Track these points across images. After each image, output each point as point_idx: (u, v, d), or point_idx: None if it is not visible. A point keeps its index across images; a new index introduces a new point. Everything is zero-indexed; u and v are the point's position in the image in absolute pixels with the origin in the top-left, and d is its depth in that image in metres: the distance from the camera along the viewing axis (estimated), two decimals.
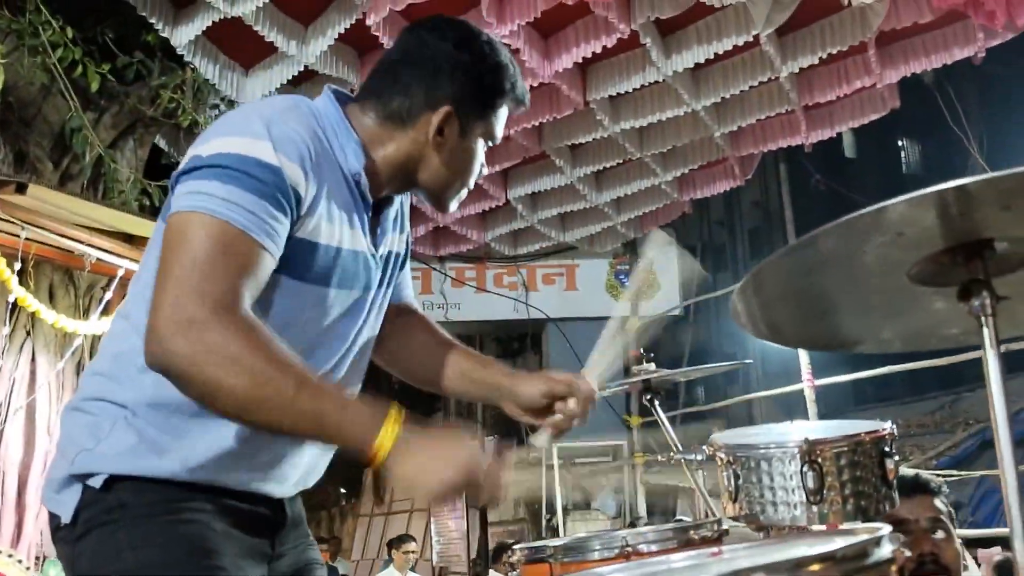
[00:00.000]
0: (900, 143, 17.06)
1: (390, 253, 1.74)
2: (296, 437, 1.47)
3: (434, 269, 10.58)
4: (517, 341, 13.48)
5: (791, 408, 10.19)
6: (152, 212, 5.83)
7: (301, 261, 1.51)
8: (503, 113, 1.70)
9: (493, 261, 10.58)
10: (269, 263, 1.43)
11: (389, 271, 1.74)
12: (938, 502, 2.38)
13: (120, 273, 5.28)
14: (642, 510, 9.92)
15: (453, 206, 1.76)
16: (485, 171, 1.78)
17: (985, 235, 1.28)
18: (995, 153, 7.63)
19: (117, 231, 5.35)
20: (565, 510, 9.91)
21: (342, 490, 16.46)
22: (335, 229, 1.54)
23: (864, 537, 0.90)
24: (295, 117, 1.50)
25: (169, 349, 1.30)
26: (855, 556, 0.85)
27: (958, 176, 1.14)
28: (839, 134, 7.85)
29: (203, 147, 1.44)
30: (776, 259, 1.31)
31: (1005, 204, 1.20)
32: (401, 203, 1.80)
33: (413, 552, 9.00)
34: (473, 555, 9.91)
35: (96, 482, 1.47)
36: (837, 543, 1.13)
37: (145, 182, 6.15)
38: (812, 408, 7.95)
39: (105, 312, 5.51)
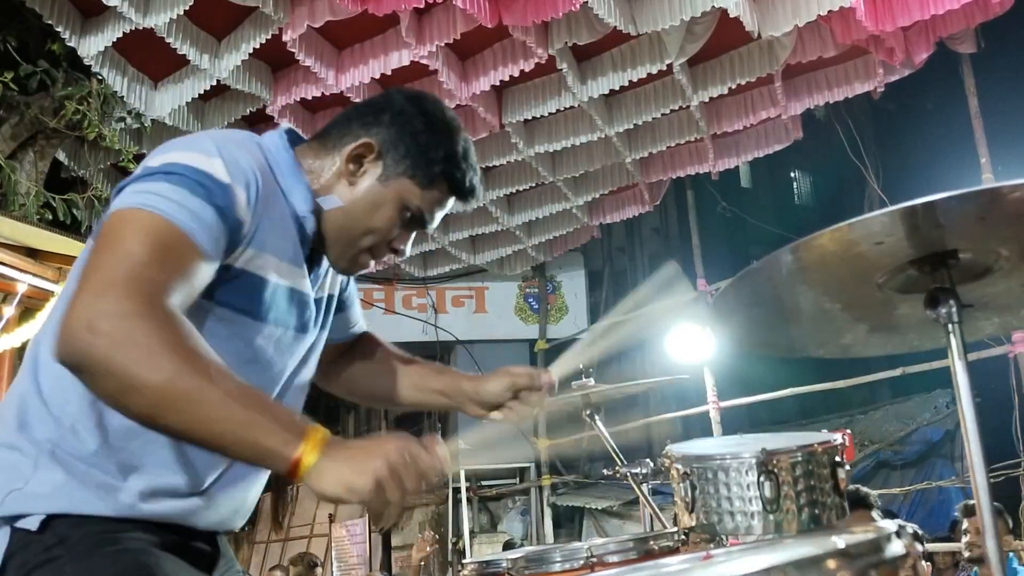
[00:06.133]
0: (793, 175, 17.67)
1: (329, 297, 1.73)
2: (206, 445, 1.26)
3: None
4: None
5: (689, 431, 10.39)
6: (55, 225, 5.60)
7: (240, 292, 1.48)
8: (436, 195, 1.63)
9: (402, 283, 10.50)
10: (206, 271, 1.38)
11: (325, 314, 1.72)
12: (875, 515, 2.48)
13: (22, 289, 5.04)
14: (549, 531, 9.95)
15: (344, 266, 1.66)
16: (403, 257, 1.71)
17: (950, 246, 1.34)
18: (890, 186, 7.97)
19: (18, 244, 5.12)
20: (472, 533, 9.86)
21: None
22: (278, 264, 1.52)
23: (875, 534, 0.92)
24: (245, 149, 1.50)
25: (84, 337, 1.21)
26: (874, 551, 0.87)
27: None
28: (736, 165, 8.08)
29: (153, 160, 1.43)
30: (755, 269, 1.34)
31: (971, 219, 1.27)
32: None
33: None
34: None
35: (31, 523, 1.38)
36: (812, 546, 1.16)
37: (48, 195, 5.92)
38: (717, 428, 8.15)
39: (5, 330, 5.25)
